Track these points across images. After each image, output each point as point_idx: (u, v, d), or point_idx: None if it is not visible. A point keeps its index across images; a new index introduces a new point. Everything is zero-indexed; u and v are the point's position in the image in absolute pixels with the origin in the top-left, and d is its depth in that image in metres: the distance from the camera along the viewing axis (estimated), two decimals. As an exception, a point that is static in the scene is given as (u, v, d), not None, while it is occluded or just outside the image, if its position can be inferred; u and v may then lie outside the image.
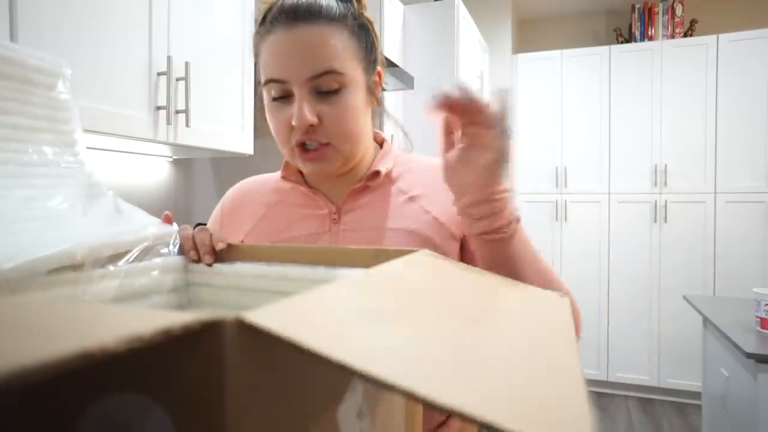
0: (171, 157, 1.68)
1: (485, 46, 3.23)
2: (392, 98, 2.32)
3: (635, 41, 3.47)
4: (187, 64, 1.21)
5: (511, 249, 0.59)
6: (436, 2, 2.48)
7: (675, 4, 3.38)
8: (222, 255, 0.62)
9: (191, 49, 1.26)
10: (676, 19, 3.38)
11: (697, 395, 3.09)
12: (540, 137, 3.52)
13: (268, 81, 0.67)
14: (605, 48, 3.38)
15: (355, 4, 0.69)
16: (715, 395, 1.91)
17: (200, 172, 1.84)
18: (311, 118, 0.65)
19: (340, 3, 0.67)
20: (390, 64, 1.83)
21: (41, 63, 0.53)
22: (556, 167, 3.47)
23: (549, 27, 3.93)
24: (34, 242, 0.44)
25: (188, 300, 0.61)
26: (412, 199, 0.74)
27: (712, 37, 3.14)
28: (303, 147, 0.68)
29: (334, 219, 0.73)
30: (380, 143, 0.82)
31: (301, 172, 0.78)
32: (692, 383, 3.12)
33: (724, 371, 1.78)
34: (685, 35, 3.38)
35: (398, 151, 0.82)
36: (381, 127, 0.83)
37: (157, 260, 0.57)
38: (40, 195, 0.50)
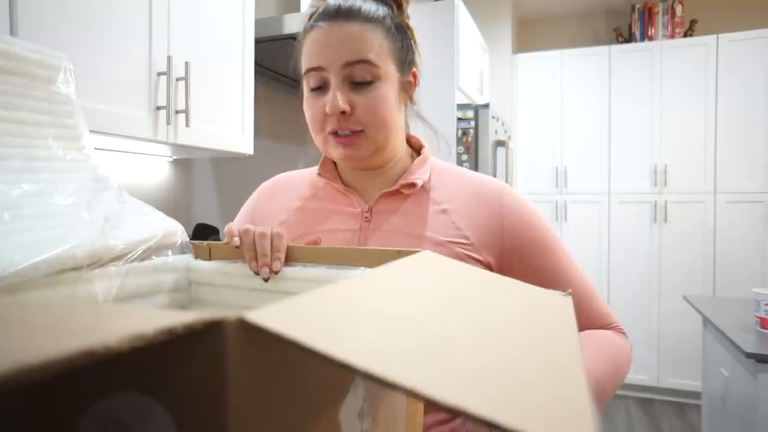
0: (171, 157, 1.68)
1: (485, 46, 3.23)
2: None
3: (635, 41, 3.47)
4: (187, 64, 1.21)
5: None
6: (436, 2, 2.48)
7: (675, 4, 3.38)
8: (224, 254, 0.62)
9: (191, 49, 1.26)
10: (676, 19, 3.38)
11: (697, 395, 3.09)
12: (540, 137, 3.52)
13: (308, 71, 0.72)
14: (605, 48, 3.38)
15: (395, 10, 0.75)
16: (714, 395, 1.91)
17: (200, 172, 1.84)
18: (343, 105, 0.69)
19: (379, 7, 0.73)
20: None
21: (42, 57, 0.53)
22: (556, 167, 3.47)
23: (549, 27, 3.93)
24: (38, 242, 0.44)
25: (189, 299, 0.61)
26: (444, 211, 0.74)
27: (712, 37, 3.14)
28: (336, 134, 0.72)
29: (366, 218, 0.75)
30: (418, 150, 0.82)
31: (336, 171, 0.81)
32: (692, 383, 3.12)
33: (724, 371, 1.78)
34: (685, 35, 3.38)
35: (434, 158, 0.83)
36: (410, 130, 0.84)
37: (159, 259, 0.56)
38: (46, 190, 0.50)
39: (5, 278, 0.40)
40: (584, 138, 3.42)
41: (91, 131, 1.01)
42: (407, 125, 0.83)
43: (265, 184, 0.88)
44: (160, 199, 1.66)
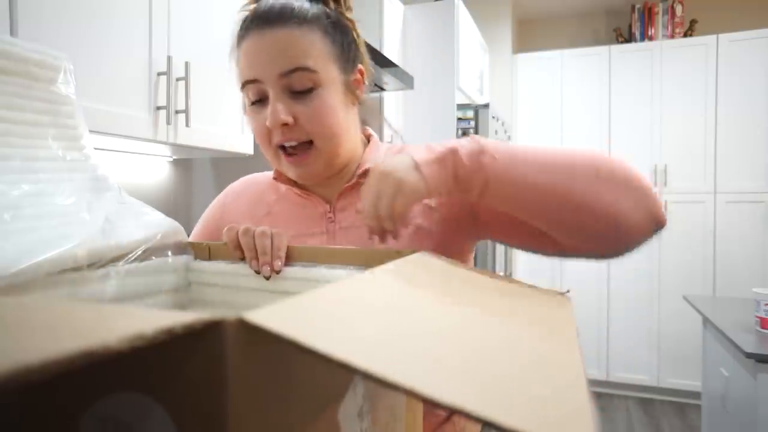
0: (171, 157, 1.68)
1: (485, 46, 3.22)
2: (392, 98, 2.32)
3: (635, 41, 3.47)
4: (187, 64, 1.21)
5: (503, 174, 0.58)
6: (436, 2, 2.48)
7: (675, 4, 3.38)
8: (223, 254, 0.62)
9: (191, 49, 1.26)
10: (676, 19, 3.38)
11: (696, 395, 3.08)
12: (540, 137, 3.52)
13: (244, 84, 0.68)
14: (605, 48, 3.38)
15: (332, 5, 0.70)
16: (714, 395, 1.91)
17: (200, 172, 1.84)
18: (284, 117, 0.65)
19: (313, 5, 0.68)
20: (390, 64, 1.83)
21: (43, 57, 0.53)
22: (556, 167, 3.47)
23: (549, 27, 3.93)
24: (38, 242, 0.44)
25: (189, 300, 0.61)
26: None
27: (712, 37, 3.14)
28: (285, 150, 0.68)
29: (330, 218, 0.74)
30: (367, 138, 0.80)
31: None
32: (692, 383, 3.12)
33: (724, 371, 1.78)
34: (685, 35, 3.38)
35: (388, 144, 0.80)
36: (380, 133, 0.82)
37: (159, 260, 0.57)
38: (46, 190, 0.50)
39: (5, 278, 0.40)
40: (584, 138, 3.41)
41: (91, 131, 1.01)
42: (363, 121, 0.80)
43: (233, 186, 0.86)
44: (160, 199, 1.66)
